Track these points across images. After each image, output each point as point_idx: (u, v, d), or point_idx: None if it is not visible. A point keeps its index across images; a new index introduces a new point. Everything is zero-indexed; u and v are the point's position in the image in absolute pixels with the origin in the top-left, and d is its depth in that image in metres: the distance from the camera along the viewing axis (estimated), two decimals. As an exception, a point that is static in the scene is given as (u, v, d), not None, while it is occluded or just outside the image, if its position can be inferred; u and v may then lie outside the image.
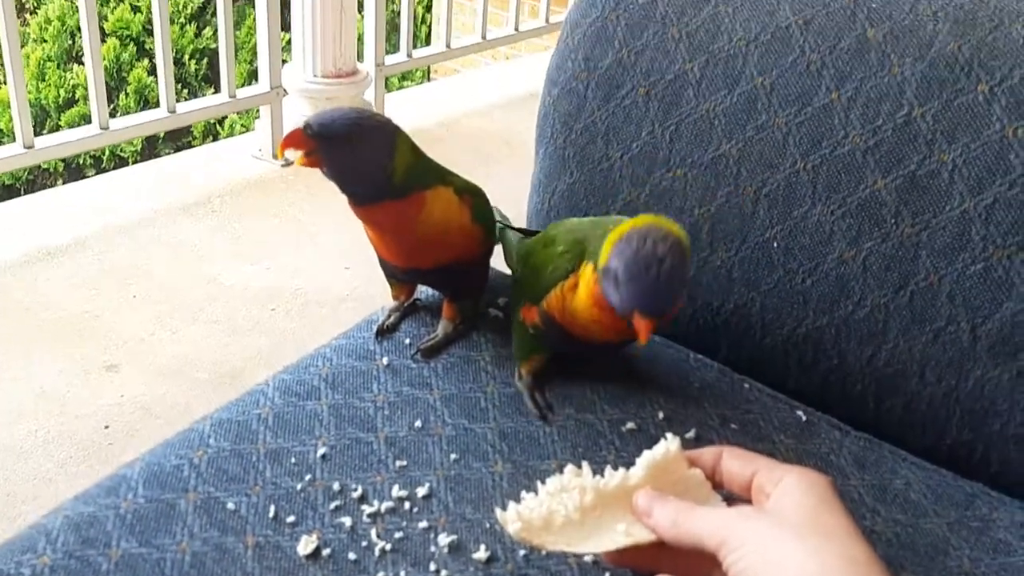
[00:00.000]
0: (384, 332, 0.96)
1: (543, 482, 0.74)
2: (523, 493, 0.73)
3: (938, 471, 0.87)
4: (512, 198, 1.07)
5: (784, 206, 0.93)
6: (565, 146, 1.06)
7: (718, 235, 0.97)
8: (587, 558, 0.75)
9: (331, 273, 2.35)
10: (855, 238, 0.90)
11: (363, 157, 0.83)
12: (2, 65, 2.28)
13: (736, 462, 0.72)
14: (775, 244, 0.94)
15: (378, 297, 1.04)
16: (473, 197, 0.91)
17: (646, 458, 0.74)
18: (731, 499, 0.72)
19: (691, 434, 0.87)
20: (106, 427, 1.82)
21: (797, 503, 0.65)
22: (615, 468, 0.77)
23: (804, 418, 0.91)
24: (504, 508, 0.72)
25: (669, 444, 0.74)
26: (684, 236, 0.76)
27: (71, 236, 2.45)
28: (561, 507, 0.71)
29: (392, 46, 3.27)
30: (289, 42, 2.99)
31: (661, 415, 0.89)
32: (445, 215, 0.88)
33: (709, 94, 0.97)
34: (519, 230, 1.03)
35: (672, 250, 0.74)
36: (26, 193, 2.66)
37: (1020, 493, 0.86)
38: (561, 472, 0.73)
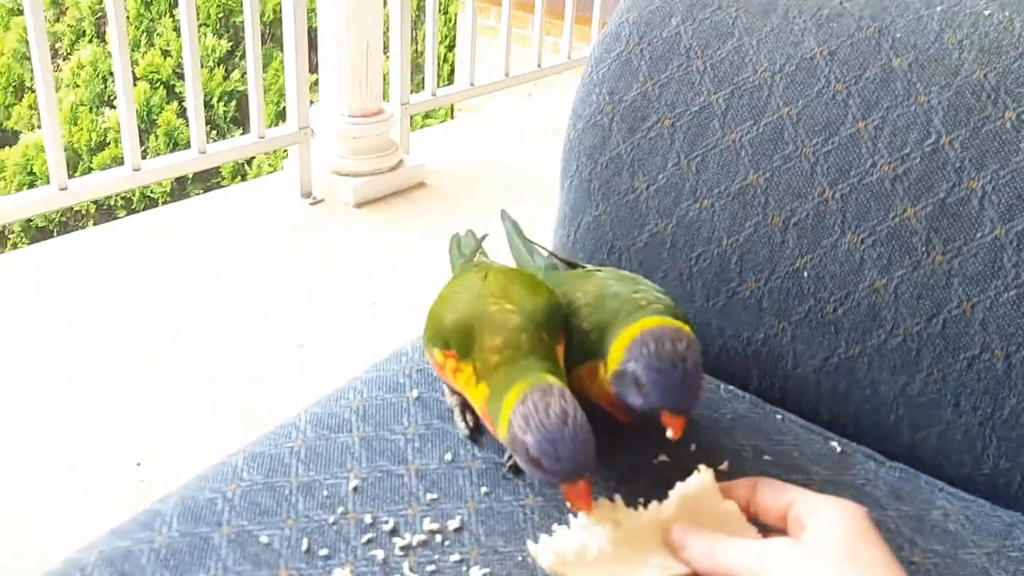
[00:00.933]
0: (475, 434, 0.88)
1: (575, 515, 0.74)
2: (555, 526, 0.73)
3: (976, 501, 0.85)
4: (536, 232, 1.08)
5: (813, 235, 0.93)
6: (591, 179, 1.06)
7: (747, 265, 0.97)
8: (621, 591, 0.74)
9: (358, 309, 2.37)
10: (886, 266, 0.90)
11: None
12: (37, 109, 2.33)
13: (771, 493, 0.72)
14: (805, 273, 0.94)
15: (405, 333, 1.04)
16: (561, 326, 0.85)
17: (679, 490, 0.74)
18: (766, 531, 0.72)
19: (724, 466, 0.86)
20: (138, 464, 1.83)
21: (834, 535, 0.64)
22: (647, 501, 0.77)
23: (839, 448, 0.90)
24: (536, 541, 0.72)
25: (703, 476, 0.74)
26: (694, 337, 0.76)
27: (101, 276, 2.48)
28: (594, 540, 0.71)
29: (416, 85, 3.32)
30: (316, 83, 3.04)
31: (693, 447, 0.89)
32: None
33: (735, 125, 0.98)
34: (553, 255, 1.02)
35: (691, 347, 0.74)
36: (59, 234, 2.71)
37: (1061, 523, 0.85)
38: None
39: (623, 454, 0.87)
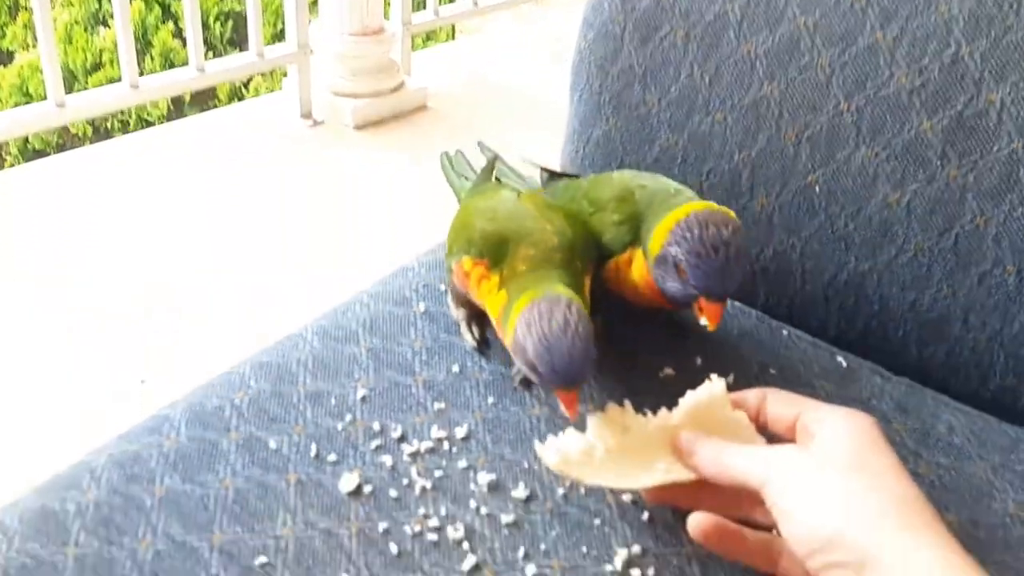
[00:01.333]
0: (482, 345, 0.88)
1: (582, 421, 0.74)
2: (567, 429, 0.73)
3: (981, 416, 0.86)
4: (541, 154, 1.07)
5: (827, 149, 0.92)
6: (601, 91, 1.04)
7: (759, 180, 0.96)
8: (625, 497, 0.75)
9: (360, 232, 2.36)
10: (899, 181, 0.88)
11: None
12: (32, 28, 2.29)
13: (780, 403, 0.72)
14: (817, 188, 0.93)
15: (407, 252, 1.04)
16: (591, 259, 0.85)
17: (690, 398, 0.74)
18: (775, 441, 0.72)
19: (729, 379, 0.85)
20: (143, 381, 1.84)
21: (842, 443, 0.64)
22: (655, 410, 0.77)
23: (845, 364, 0.90)
24: (543, 444, 0.72)
25: (714, 385, 0.74)
26: (737, 219, 0.75)
27: (100, 194, 2.46)
28: (601, 442, 0.71)
29: (418, 4, 3.25)
30: (315, 1, 2.98)
31: (699, 361, 0.89)
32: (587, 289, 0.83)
33: (750, 35, 0.95)
34: (547, 171, 1.00)
35: (735, 233, 0.73)
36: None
37: (1065, 438, 0.85)
38: (603, 410, 0.73)
39: (629, 366, 0.87)
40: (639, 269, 0.80)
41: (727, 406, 0.73)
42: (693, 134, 0.99)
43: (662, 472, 0.70)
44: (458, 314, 0.91)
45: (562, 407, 0.73)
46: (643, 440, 0.72)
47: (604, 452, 0.71)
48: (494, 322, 0.80)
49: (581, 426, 0.73)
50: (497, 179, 0.99)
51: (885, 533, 0.57)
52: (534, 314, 0.72)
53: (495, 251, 0.80)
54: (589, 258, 0.83)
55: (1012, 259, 0.84)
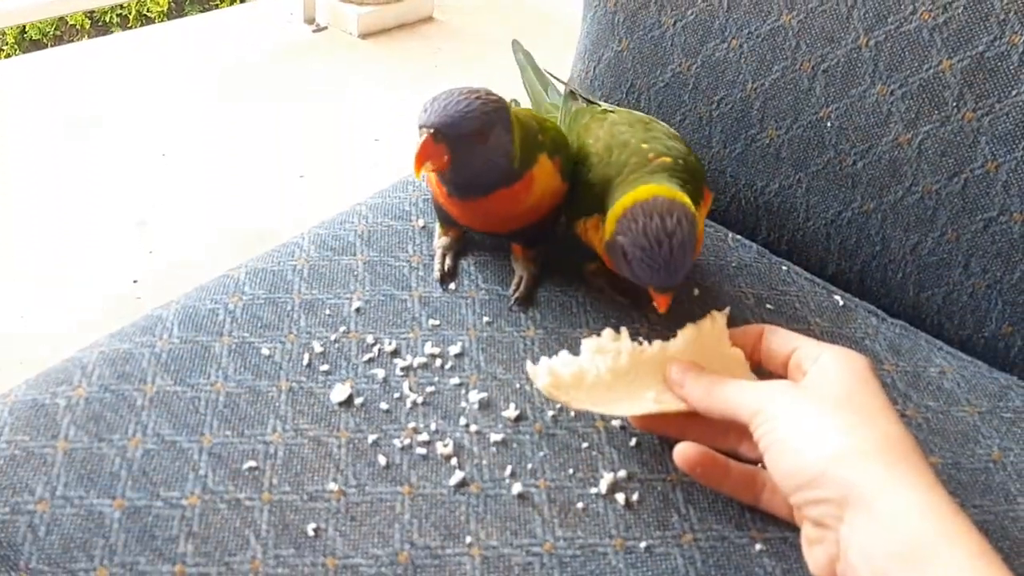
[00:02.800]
0: (446, 278, 0.87)
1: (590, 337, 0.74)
2: (560, 352, 0.73)
3: (973, 362, 0.86)
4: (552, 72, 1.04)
5: (842, 84, 0.89)
6: (615, 10, 1.01)
7: (770, 112, 0.94)
8: (614, 423, 0.75)
9: (361, 144, 2.33)
10: (913, 120, 0.87)
11: (492, 149, 0.75)
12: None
13: (776, 339, 0.71)
14: (828, 124, 0.91)
15: (408, 169, 1.01)
16: (561, 154, 0.83)
17: (689, 330, 0.73)
18: (768, 378, 0.71)
19: (725, 312, 0.85)
20: (135, 281, 1.84)
21: (834, 380, 0.64)
22: (649, 341, 0.77)
23: (841, 303, 0.90)
24: (535, 364, 0.72)
25: (715, 319, 0.73)
26: (688, 202, 0.72)
27: (99, 91, 2.42)
28: (593, 367, 0.71)
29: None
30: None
31: (696, 292, 0.88)
32: (547, 186, 0.81)
33: (773, -40, 0.92)
34: (571, 90, 0.96)
35: (680, 223, 0.70)
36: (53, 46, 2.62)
37: (1055, 389, 0.85)
38: (599, 335, 0.73)
39: (625, 294, 0.86)
40: (599, 244, 0.78)
41: (725, 342, 0.73)
42: (707, 60, 0.97)
43: (651, 401, 0.70)
44: (439, 241, 0.89)
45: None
46: (636, 368, 0.72)
47: (595, 377, 0.70)
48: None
49: (575, 350, 0.73)
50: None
51: (869, 472, 0.58)
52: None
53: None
54: (558, 149, 0.83)
55: (1019, 207, 0.83)
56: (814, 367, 0.66)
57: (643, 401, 0.71)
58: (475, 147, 0.74)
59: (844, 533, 0.57)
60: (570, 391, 0.70)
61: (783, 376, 0.70)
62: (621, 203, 0.74)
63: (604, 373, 0.71)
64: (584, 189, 0.82)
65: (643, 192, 0.73)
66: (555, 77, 0.99)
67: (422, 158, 0.72)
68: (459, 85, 0.76)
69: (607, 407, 0.71)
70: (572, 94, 0.93)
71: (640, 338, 0.74)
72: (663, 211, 0.71)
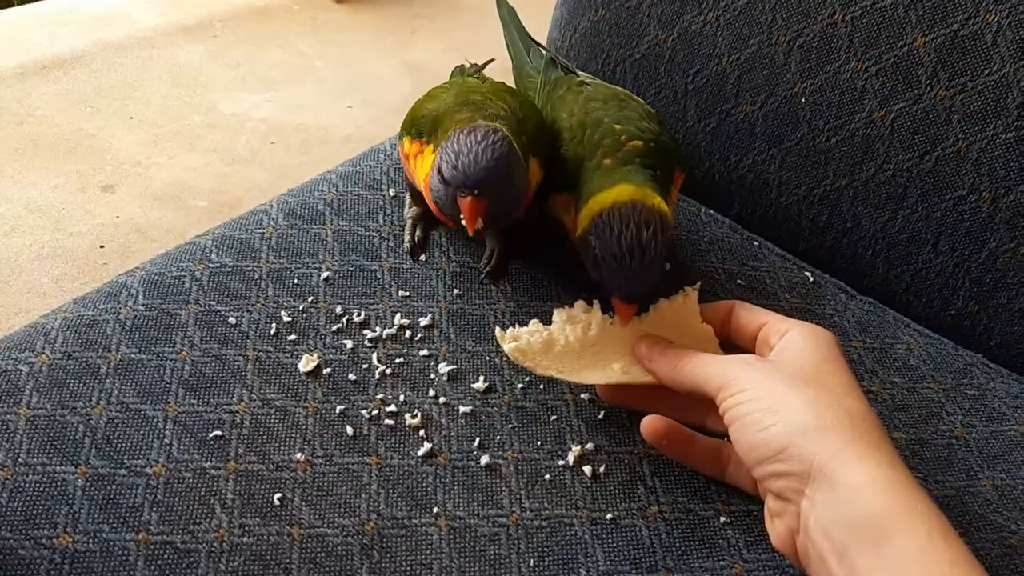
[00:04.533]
0: (416, 250, 0.86)
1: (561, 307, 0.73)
2: (531, 321, 0.72)
3: (939, 339, 0.87)
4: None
5: (817, 59, 0.89)
6: (593, -20, 1.01)
7: (744, 86, 0.94)
8: (583, 395, 0.75)
9: (334, 110, 2.30)
10: (887, 98, 0.87)
11: (514, 181, 0.73)
12: None
13: (745, 315, 0.72)
14: (803, 99, 0.91)
15: (381, 137, 1.00)
16: (540, 149, 0.80)
17: (660, 305, 0.73)
18: (736, 352, 0.72)
19: (697, 286, 0.86)
20: (101, 246, 1.81)
21: (800, 355, 0.65)
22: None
23: (811, 279, 0.90)
24: (504, 331, 0.72)
25: (688, 294, 0.73)
26: (666, 209, 0.71)
27: (67, 50, 2.37)
28: (562, 336, 0.71)
29: None
30: None
31: (668, 266, 0.88)
32: (535, 181, 0.79)
33: (751, -67, 0.92)
34: (552, 57, 0.93)
35: (655, 235, 0.69)
36: (20, 3, 2.56)
37: (1018, 367, 0.86)
38: (571, 306, 0.73)
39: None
40: (570, 221, 0.77)
41: (696, 317, 0.73)
42: (683, 32, 0.96)
43: (618, 372, 0.70)
44: (409, 212, 0.89)
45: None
46: (605, 339, 0.72)
47: (564, 346, 0.70)
48: (422, 190, 0.77)
49: (546, 321, 0.73)
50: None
51: (830, 447, 0.58)
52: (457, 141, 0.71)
53: (432, 129, 0.77)
54: (540, 144, 0.80)
55: (988, 186, 0.84)
56: (781, 342, 0.67)
57: (610, 371, 0.71)
58: (506, 189, 0.72)
59: (805, 507, 0.58)
60: (536, 357, 0.70)
61: (751, 350, 0.70)
62: (598, 201, 0.72)
63: (573, 342, 0.71)
64: (556, 165, 0.81)
65: (623, 194, 0.71)
66: (537, 43, 0.98)
67: (475, 218, 0.70)
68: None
69: (573, 375, 0.71)
70: (553, 61, 0.92)
71: (611, 312, 0.74)
72: (640, 221, 0.69)
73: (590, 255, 0.72)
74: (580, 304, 0.73)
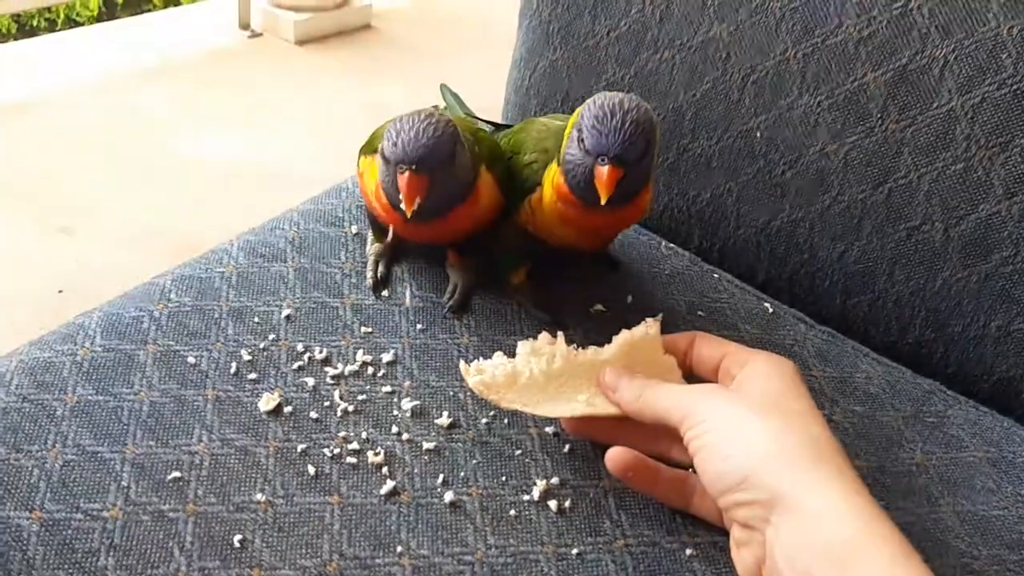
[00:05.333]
0: (379, 286, 0.86)
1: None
2: (495, 354, 0.72)
3: (898, 367, 0.88)
4: (488, 81, 1.04)
5: (771, 95, 0.91)
6: (550, 20, 1.02)
7: (701, 122, 0.95)
8: (548, 429, 0.75)
9: (295, 150, 2.30)
10: (839, 131, 0.89)
11: (458, 169, 0.75)
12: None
13: (707, 346, 0.72)
14: (758, 134, 0.92)
15: (343, 176, 1.01)
16: (497, 166, 0.83)
17: (623, 337, 0.74)
18: (698, 383, 0.72)
19: (658, 318, 0.86)
20: (60, 291, 1.78)
21: (761, 384, 0.65)
22: (584, 346, 0.77)
23: (771, 310, 0.91)
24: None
25: (649, 326, 0.74)
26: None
27: (24, 95, 2.35)
28: (527, 368, 0.71)
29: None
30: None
31: (629, 299, 0.89)
32: (489, 198, 0.81)
33: (703, -27, 0.94)
34: (489, 123, 0.97)
35: (638, 106, 0.72)
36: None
37: (974, 393, 0.88)
38: (535, 339, 0.73)
39: (560, 301, 0.86)
40: (551, 187, 0.78)
41: (659, 349, 0.73)
42: (640, 71, 0.98)
43: (583, 404, 0.70)
44: (372, 248, 0.89)
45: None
46: (570, 371, 0.72)
47: (528, 378, 0.70)
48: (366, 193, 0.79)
49: (510, 354, 0.73)
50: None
51: (794, 474, 0.58)
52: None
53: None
54: (491, 156, 0.82)
55: (940, 216, 0.86)
56: (743, 372, 0.67)
57: (575, 403, 0.71)
58: (448, 171, 0.74)
59: (770, 535, 0.58)
60: (500, 390, 0.70)
61: (713, 380, 0.71)
62: (578, 111, 0.75)
63: (537, 375, 0.71)
64: (523, 172, 0.83)
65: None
66: (480, 119, 0.99)
67: (412, 195, 0.71)
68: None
69: (538, 408, 0.71)
70: (497, 127, 0.94)
71: (575, 344, 0.74)
72: (623, 97, 0.73)
73: (576, 144, 0.73)
74: (544, 336, 0.73)
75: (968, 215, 0.85)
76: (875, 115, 0.87)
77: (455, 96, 1.01)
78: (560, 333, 0.73)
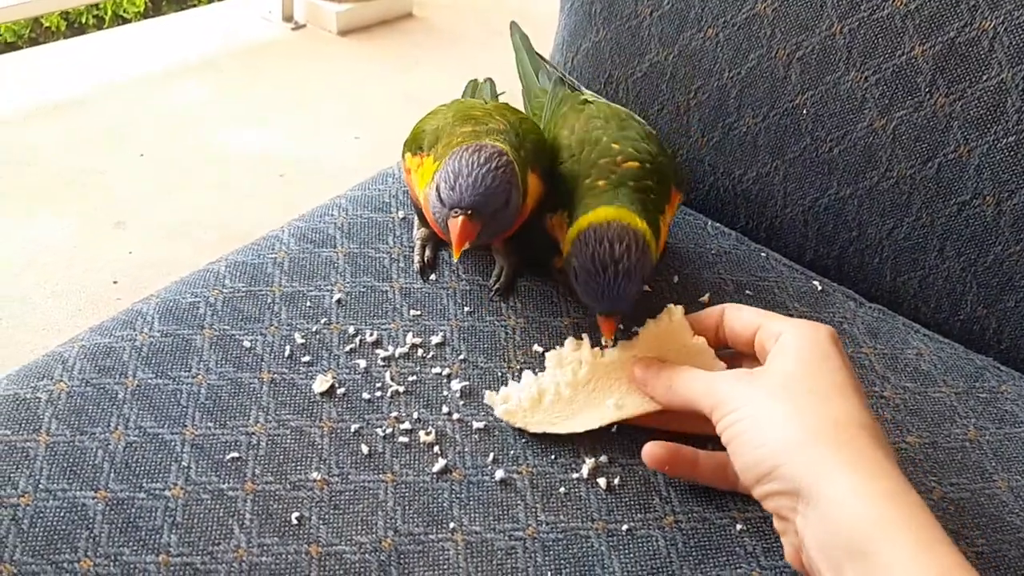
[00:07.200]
0: (427, 269, 0.87)
1: (553, 348, 0.75)
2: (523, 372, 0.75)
3: (950, 344, 0.87)
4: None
5: (817, 71, 0.90)
6: (592, 1, 1.02)
7: (746, 100, 0.95)
8: (598, 410, 0.75)
9: (341, 141, 2.32)
10: (887, 106, 0.88)
11: (512, 207, 0.74)
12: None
13: (738, 318, 0.71)
14: (804, 111, 0.92)
15: (387, 166, 1.02)
16: (541, 160, 0.82)
17: (648, 328, 0.74)
18: (737, 359, 0.72)
19: (704, 298, 0.87)
20: (115, 282, 1.83)
21: (790, 361, 0.63)
22: (627, 328, 0.77)
23: (819, 288, 0.91)
24: (507, 376, 0.75)
25: (672, 312, 0.74)
26: (644, 228, 0.73)
27: (74, 93, 2.41)
28: (552, 384, 0.73)
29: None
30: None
31: (676, 279, 0.89)
32: (534, 195, 0.80)
33: (747, -50, 0.93)
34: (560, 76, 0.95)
35: (629, 250, 0.71)
36: (26, 46, 2.60)
37: (1029, 369, 0.87)
38: (561, 347, 0.75)
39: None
40: (563, 244, 0.78)
41: (687, 332, 0.73)
42: (684, 50, 0.97)
43: (612, 409, 0.72)
44: (419, 233, 0.90)
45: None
46: (598, 375, 0.73)
47: (554, 395, 0.72)
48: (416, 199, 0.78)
49: (555, 339, 0.74)
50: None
51: (814, 461, 0.57)
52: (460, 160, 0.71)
53: (433, 143, 0.79)
54: (539, 157, 0.81)
55: (992, 190, 0.85)
56: (775, 348, 0.65)
57: (604, 410, 0.72)
58: (501, 214, 0.74)
59: (800, 524, 0.57)
60: (526, 415, 0.72)
61: (751, 354, 0.70)
62: (578, 225, 0.74)
63: (563, 388, 0.73)
64: (554, 182, 0.82)
65: (600, 215, 0.73)
66: (548, 63, 0.99)
67: (462, 240, 0.71)
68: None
69: (564, 425, 0.72)
70: (561, 80, 0.93)
71: (603, 340, 0.75)
72: (613, 237, 0.71)
73: (572, 277, 0.74)
74: (570, 342, 0.75)
75: (1020, 189, 0.83)
76: (923, 89, 0.86)
77: (523, 36, 1.00)
78: (585, 336, 0.75)
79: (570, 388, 0.73)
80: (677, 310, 0.74)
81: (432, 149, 0.78)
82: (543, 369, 0.75)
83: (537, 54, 0.99)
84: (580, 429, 0.72)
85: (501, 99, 0.97)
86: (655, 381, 0.69)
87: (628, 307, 0.73)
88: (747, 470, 0.61)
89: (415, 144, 0.82)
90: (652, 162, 0.79)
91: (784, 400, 0.61)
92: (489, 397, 0.74)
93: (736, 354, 0.72)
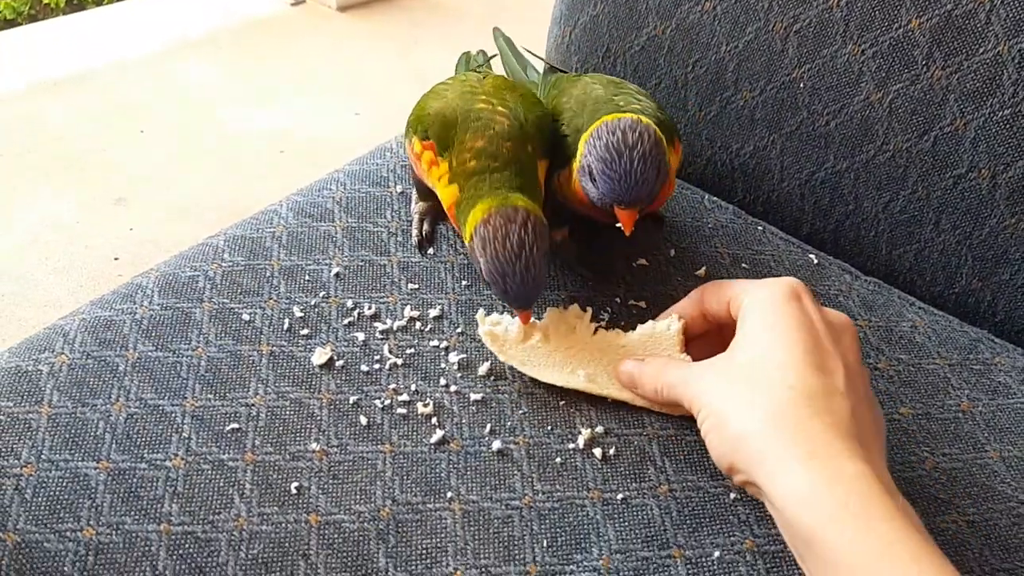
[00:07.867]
0: (425, 243, 0.87)
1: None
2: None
3: (944, 316, 0.87)
4: (529, 43, 1.04)
5: (814, 44, 0.90)
6: (590, -25, 1.02)
7: (744, 74, 0.95)
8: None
9: (341, 118, 2.32)
10: (884, 80, 0.88)
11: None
12: None
13: (714, 295, 0.71)
14: (801, 84, 0.92)
15: (386, 137, 1.02)
16: (546, 137, 0.82)
17: (646, 327, 0.75)
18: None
19: (701, 271, 0.87)
20: (116, 258, 1.83)
21: (748, 335, 0.63)
22: (623, 301, 0.78)
23: (816, 261, 0.91)
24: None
25: (672, 322, 0.74)
26: (654, 126, 0.73)
27: (74, 69, 2.40)
28: (541, 332, 0.73)
29: None
30: None
31: (672, 252, 0.89)
32: (542, 178, 0.81)
33: (744, -78, 0.93)
34: (542, 58, 0.96)
35: (642, 137, 0.71)
36: (26, 22, 2.59)
37: (1023, 341, 0.87)
38: (564, 308, 0.75)
39: (604, 257, 0.87)
40: (575, 183, 0.78)
41: (676, 348, 0.73)
42: (681, 23, 0.97)
43: (582, 379, 0.73)
44: (416, 207, 0.90)
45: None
46: (582, 346, 0.74)
47: (537, 341, 0.73)
48: (447, 213, 0.79)
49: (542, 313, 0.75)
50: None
51: (762, 453, 0.57)
52: (489, 231, 0.70)
53: (441, 134, 0.78)
54: (544, 140, 0.81)
55: (987, 163, 0.85)
56: (739, 321, 0.65)
57: (574, 376, 0.73)
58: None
59: (772, 513, 0.58)
60: (505, 345, 0.73)
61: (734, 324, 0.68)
62: (590, 129, 0.75)
63: (550, 339, 0.74)
64: (559, 142, 0.83)
65: (609, 117, 0.74)
66: (533, 54, 0.99)
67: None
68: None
69: (532, 370, 0.74)
70: (551, 68, 0.94)
71: (602, 324, 0.76)
72: (626, 127, 0.72)
73: (587, 176, 0.74)
74: (574, 308, 0.76)
75: (1015, 161, 0.83)
76: (920, 62, 0.86)
77: (507, 40, 1.01)
78: (589, 309, 0.76)
79: (554, 343, 0.74)
80: (678, 323, 0.74)
81: (446, 152, 0.78)
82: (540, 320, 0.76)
83: (522, 51, 1.00)
84: (543, 379, 0.73)
85: (493, 63, 0.98)
86: (643, 383, 0.71)
87: (648, 196, 0.72)
88: (718, 464, 0.62)
89: (420, 127, 0.81)
90: (656, 116, 0.80)
91: (742, 383, 0.61)
92: (480, 316, 0.75)
93: (723, 330, 0.73)
